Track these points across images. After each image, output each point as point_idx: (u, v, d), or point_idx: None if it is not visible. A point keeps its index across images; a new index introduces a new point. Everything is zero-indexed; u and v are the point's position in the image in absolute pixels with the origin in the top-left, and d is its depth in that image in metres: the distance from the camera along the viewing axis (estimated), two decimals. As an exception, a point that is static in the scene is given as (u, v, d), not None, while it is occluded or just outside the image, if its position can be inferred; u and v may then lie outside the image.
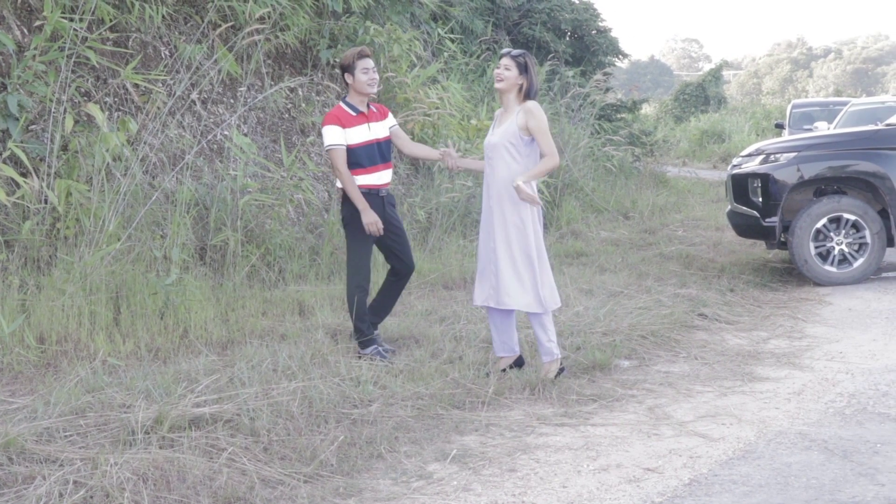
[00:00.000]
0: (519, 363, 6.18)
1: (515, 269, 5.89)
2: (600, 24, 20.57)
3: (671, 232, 12.64)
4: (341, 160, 6.29)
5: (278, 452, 4.62)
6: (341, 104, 6.44)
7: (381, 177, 6.43)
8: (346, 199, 6.40)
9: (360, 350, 6.36)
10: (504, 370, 6.08)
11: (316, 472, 4.45)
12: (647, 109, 32.02)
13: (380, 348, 6.37)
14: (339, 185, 6.45)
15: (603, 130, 16.89)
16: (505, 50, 6.13)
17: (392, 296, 6.73)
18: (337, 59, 11.06)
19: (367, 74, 6.36)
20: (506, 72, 5.90)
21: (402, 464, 4.64)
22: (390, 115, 6.64)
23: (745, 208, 9.57)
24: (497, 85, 5.97)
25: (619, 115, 18.91)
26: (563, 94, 15.74)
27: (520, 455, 4.79)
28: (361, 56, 6.39)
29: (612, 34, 20.83)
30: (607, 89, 18.07)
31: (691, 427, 5.17)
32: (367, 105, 6.48)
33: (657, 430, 5.15)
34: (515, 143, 5.86)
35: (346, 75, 6.43)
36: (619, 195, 14.89)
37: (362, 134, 6.36)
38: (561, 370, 6.03)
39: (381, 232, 6.34)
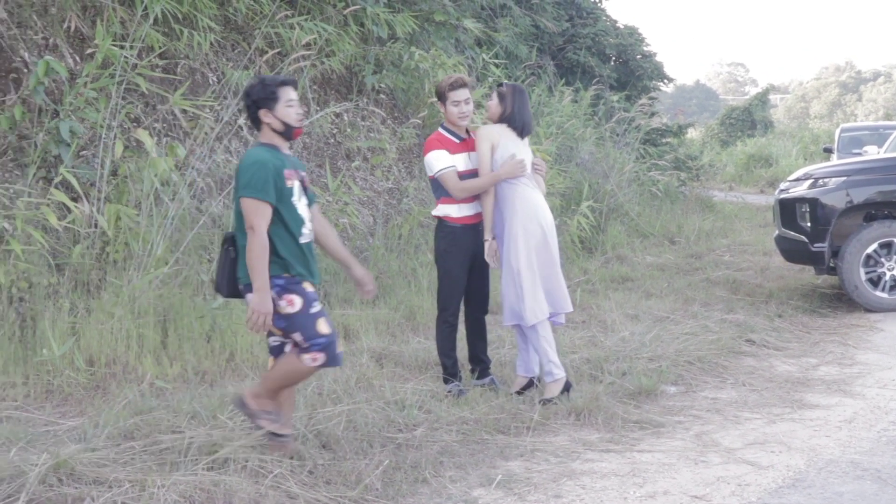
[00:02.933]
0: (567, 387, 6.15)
1: (507, 284, 6.11)
2: (645, 48, 20.56)
3: (718, 257, 12.54)
4: (455, 181, 6.03)
5: (323, 476, 4.62)
6: (441, 130, 6.20)
7: (474, 207, 6.15)
8: (441, 230, 6.21)
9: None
10: (518, 392, 6.13)
11: (361, 497, 4.44)
12: (692, 134, 31.88)
13: (459, 386, 6.17)
14: (435, 212, 6.24)
15: (648, 155, 16.83)
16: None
17: (479, 335, 6.47)
18: (382, 85, 11.14)
19: (457, 107, 6.09)
20: (489, 102, 6.24)
21: (446, 489, 4.62)
22: None
23: (793, 233, 9.47)
24: (485, 117, 6.35)
25: (664, 140, 18.84)
26: (607, 119, 15.72)
27: (565, 481, 4.75)
28: (453, 87, 6.08)
29: (657, 59, 20.82)
30: (652, 114, 18.03)
31: (740, 454, 5.10)
32: (467, 132, 6.23)
33: (705, 457, 5.09)
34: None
35: (439, 103, 6.27)
36: (665, 220, 14.81)
37: (463, 163, 6.12)
38: (528, 385, 6.20)
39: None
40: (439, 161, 6.05)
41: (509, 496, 4.55)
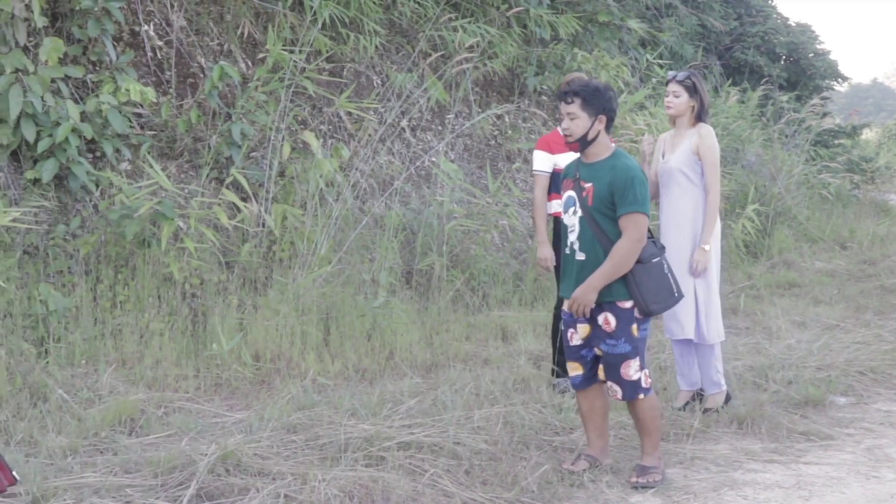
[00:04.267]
0: (726, 398, 5.95)
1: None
2: (818, 46, 19.80)
3: (893, 263, 11.94)
4: (538, 186, 6.27)
5: (479, 477, 4.63)
6: (558, 128, 6.02)
7: None
8: (554, 225, 6.29)
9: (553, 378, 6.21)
10: (683, 406, 5.89)
11: (517, 499, 4.43)
12: (868, 135, 30.50)
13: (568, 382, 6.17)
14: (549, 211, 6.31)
15: (819, 157, 16.22)
16: (670, 74, 5.99)
17: None
18: (544, 87, 11.12)
19: (562, 121, 5.96)
20: (675, 99, 5.83)
21: (603, 493, 4.57)
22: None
23: (977, 239, 8.95)
24: (668, 112, 5.92)
25: (836, 141, 18.12)
26: (776, 120, 15.24)
27: (726, 491, 4.62)
28: (559, 97, 5.57)
29: (831, 57, 20.01)
30: (824, 114, 17.35)
31: (915, 472, 4.86)
32: None
33: (877, 472, 4.86)
34: (691, 167, 5.76)
35: None
36: (836, 224, 14.22)
37: (569, 160, 5.98)
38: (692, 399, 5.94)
39: (549, 269, 6.24)
40: (536, 161, 6.30)
41: (667, 504, 4.46)
